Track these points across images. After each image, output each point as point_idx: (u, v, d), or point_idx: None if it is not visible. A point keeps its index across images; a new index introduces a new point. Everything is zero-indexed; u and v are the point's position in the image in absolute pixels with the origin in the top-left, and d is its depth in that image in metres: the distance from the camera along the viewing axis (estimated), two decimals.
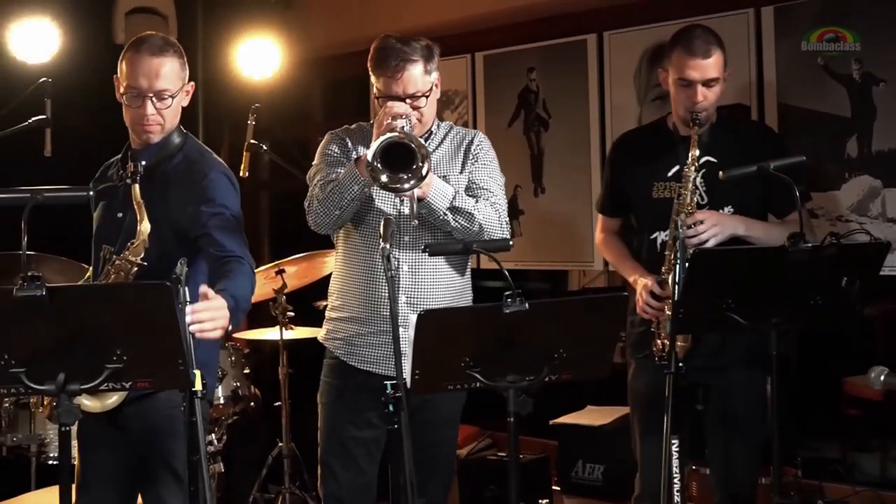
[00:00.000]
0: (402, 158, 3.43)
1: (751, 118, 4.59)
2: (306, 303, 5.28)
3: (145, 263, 3.36)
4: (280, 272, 5.15)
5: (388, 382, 3.09)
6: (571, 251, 5.34)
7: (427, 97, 3.69)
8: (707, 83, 3.77)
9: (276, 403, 5.40)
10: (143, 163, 3.47)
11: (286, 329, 5.26)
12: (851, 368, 4.76)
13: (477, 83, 5.72)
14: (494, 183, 3.81)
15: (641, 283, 3.85)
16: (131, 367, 2.79)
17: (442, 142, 3.82)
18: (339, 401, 3.78)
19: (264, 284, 5.19)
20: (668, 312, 3.72)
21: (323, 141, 3.85)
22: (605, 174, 4.18)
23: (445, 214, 3.61)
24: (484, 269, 5.66)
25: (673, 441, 3.41)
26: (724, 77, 3.81)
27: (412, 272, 3.68)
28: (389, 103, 3.57)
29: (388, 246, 3.07)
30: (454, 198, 3.63)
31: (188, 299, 2.94)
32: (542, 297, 5.56)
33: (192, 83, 3.63)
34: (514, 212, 5.59)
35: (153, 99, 3.51)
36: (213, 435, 5.04)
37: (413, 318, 3.03)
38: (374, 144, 3.40)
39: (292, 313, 5.30)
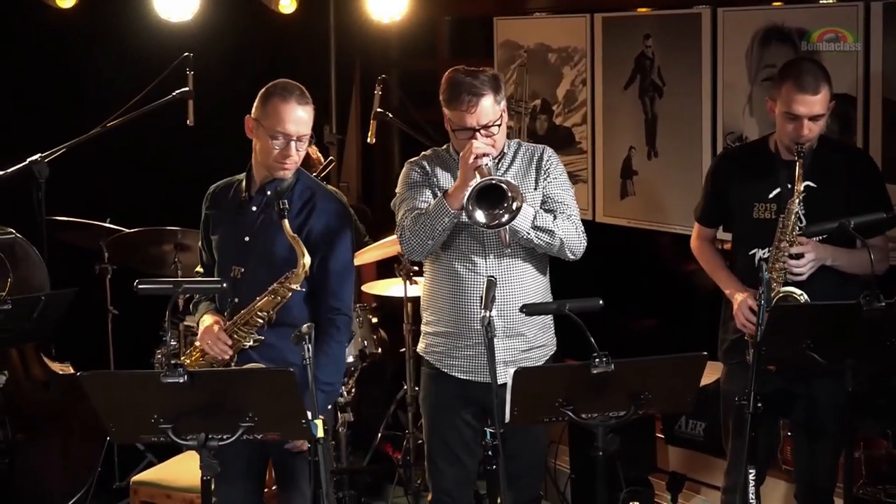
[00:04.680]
0: (493, 196, 3.78)
1: (853, 145, 4.74)
2: None
3: (304, 290, 3.84)
4: None
5: (488, 430, 3.47)
6: (682, 214, 5.52)
7: (499, 126, 3.99)
8: (814, 118, 3.97)
9: (402, 350, 5.83)
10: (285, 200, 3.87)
11: (411, 285, 5.66)
12: None
13: (596, 43, 5.88)
14: (568, 195, 4.13)
15: (739, 298, 4.12)
16: (262, 425, 3.24)
17: (513, 161, 4.13)
18: (440, 406, 4.18)
19: (390, 248, 5.59)
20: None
21: (403, 171, 4.19)
22: (707, 186, 4.42)
23: (528, 234, 3.96)
24: (599, 222, 5.97)
25: (750, 471, 3.72)
26: (828, 110, 4.00)
27: (500, 286, 3.97)
28: (473, 143, 3.88)
29: (488, 314, 3.41)
30: (535, 217, 3.95)
31: (312, 355, 3.36)
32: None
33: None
34: (627, 172, 5.84)
35: (296, 142, 3.89)
36: (342, 388, 5.51)
37: (509, 372, 3.42)
38: (468, 191, 3.76)
39: (416, 268, 5.68)
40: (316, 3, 6.62)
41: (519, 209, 3.80)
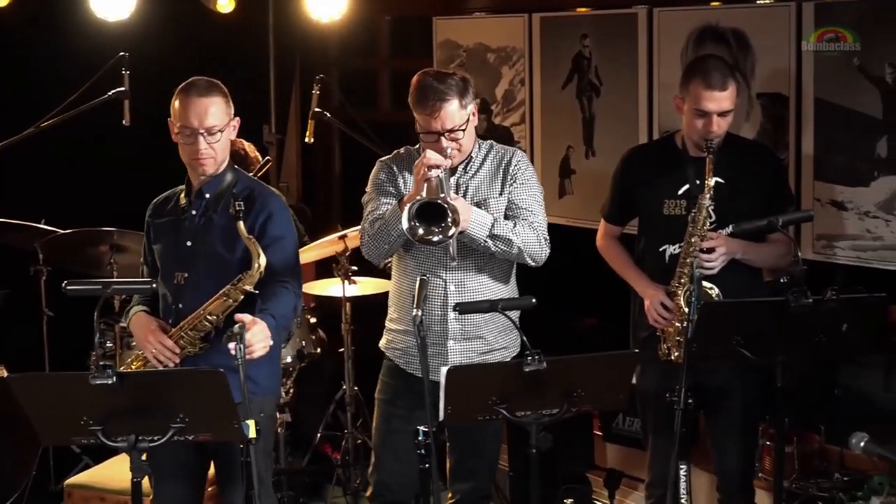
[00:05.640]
0: (434, 212, 3.77)
1: (758, 142, 4.83)
2: None
3: (257, 291, 3.79)
4: (342, 237, 5.51)
5: (421, 428, 3.47)
6: None
7: (464, 130, 3.98)
8: (722, 114, 4.03)
9: (340, 350, 5.82)
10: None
11: (350, 285, 5.65)
12: None
13: (534, 43, 5.91)
14: (534, 201, 4.10)
15: (651, 294, 4.17)
16: (193, 426, 3.22)
17: (482, 165, 4.11)
18: (395, 399, 4.18)
19: (328, 248, 5.58)
20: (677, 324, 4.07)
21: (374, 169, 4.18)
22: (615, 185, 4.47)
23: (486, 242, 3.94)
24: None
25: (681, 466, 3.76)
26: (736, 105, 4.07)
27: (458, 291, 4.04)
28: (426, 154, 3.86)
29: (419, 313, 3.41)
30: (493, 226, 3.94)
31: (244, 355, 3.34)
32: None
33: (238, 118, 3.98)
34: (566, 171, 5.86)
35: (204, 135, 3.87)
36: (280, 388, 5.48)
37: (442, 370, 3.42)
38: (408, 207, 3.74)
39: (356, 268, 5.67)
40: (254, 2, 6.59)
41: (453, 235, 3.79)
